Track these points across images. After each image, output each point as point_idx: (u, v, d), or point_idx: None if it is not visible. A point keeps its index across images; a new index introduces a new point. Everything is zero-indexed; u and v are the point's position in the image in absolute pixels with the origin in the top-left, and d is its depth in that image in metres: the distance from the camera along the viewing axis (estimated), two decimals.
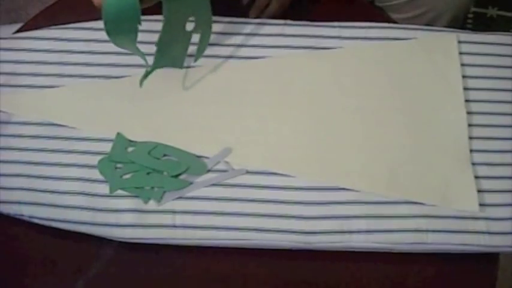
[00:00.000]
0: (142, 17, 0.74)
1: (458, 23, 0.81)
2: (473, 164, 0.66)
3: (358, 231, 0.62)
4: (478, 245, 0.62)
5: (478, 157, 0.67)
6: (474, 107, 0.69)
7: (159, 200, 0.63)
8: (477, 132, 0.68)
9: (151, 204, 0.63)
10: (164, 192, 0.64)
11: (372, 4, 0.83)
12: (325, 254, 0.63)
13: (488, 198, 0.64)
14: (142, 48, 0.71)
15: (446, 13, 0.79)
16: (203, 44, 0.68)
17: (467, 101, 0.70)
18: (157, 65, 0.65)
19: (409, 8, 0.80)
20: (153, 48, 0.71)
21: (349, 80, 0.70)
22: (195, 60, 0.69)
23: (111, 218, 0.63)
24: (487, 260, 0.64)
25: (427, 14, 0.79)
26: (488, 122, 0.69)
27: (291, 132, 0.67)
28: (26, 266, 0.63)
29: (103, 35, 0.72)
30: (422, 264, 0.64)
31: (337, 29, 0.74)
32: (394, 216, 0.63)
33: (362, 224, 0.63)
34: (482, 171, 0.66)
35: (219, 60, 0.72)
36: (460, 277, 0.64)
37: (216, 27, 0.73)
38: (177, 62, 0.69)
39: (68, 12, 0.76)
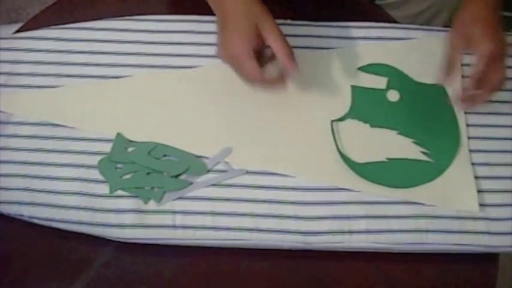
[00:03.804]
0: (142, 17, 0.74)
1: None
2: (473, 164, 0.66)
3: (358, 231, 0.62)
4: (477, 245, 0.62)
5: (478, 157, 0.67)
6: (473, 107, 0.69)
7: (159, 200, 0.63)
8: (477, 132, 0.68)
9: (152, 205, 0.63)
10: (164, 192, 0.64)
11: (372, 3, 0.83)
12: (325, 254, 0.63)
13: (488, 198, 0.64)
14: (142, 48, 0.72)
15: (444, 11, 0.79)
16: None
17: None
18: None
19: (408, 6, 0.80)
20: (152, 48, 0.72)
21: (350, 79, 0.70)
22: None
23: (111, 218, 0.63)
24: (486, 260, 0.64)
25: (425, 12, 0.79)
26: (487, 122, 0.69)
27: (291, 132, 0.67)
28: (26, 266, 0.63)
29: (103, 35, 0.73)
30: (422, 264, 0.64)
31: (337, 29, 0.74)
32: (394, 216, 0.63)
33: (362, 224, 0.63)
34: (482, 171, 0.66)
35: (219, 60, 0.71)
36: (460, 277, 0.63)
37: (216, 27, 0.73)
38: None
39: (68, 12, 0.76)
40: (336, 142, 0.66)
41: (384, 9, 0.82)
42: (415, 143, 0.67)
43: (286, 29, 0.73)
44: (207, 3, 0.71)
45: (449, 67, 0.62)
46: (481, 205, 0.64)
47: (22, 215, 0.64)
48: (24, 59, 0.71)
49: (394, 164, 0.65)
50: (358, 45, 0.72)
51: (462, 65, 0.72)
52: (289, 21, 0.74)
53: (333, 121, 0.67)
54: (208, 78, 0.70)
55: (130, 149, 0.66)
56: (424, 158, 0.66)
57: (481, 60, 0.60)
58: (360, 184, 0.64)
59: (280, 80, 0.62)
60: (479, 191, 0.64)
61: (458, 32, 0.62)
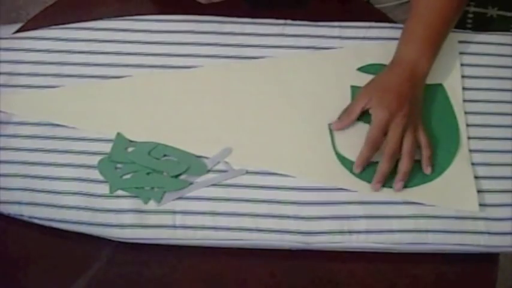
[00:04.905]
0: (142, 17, 0.74)
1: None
2: (473, 164, 0.66)
3: (358, 231, 0.62)
4: (477, 245, 0.62)
5: (478, 157, 0.67)
6: (474, 107, 0.69)
7: (159, 200, 0.63)
8: (477, 132, 0.68)
9: (152, 205, 0.63)
10: (164, 192, 0.64)
11: (371, 5, 0.83)
12: (325, 254, 0.63)
13: (488, 198, 0.64)
14: (142, 48, 0.72)
15: None
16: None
17: (466, 100, 0.70)
18: None
19: (400, 11, 0.80)
20: (152, 48, 0.72)
21: (350, 79, 0.70)
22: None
23: (111, 218, 0.63)
24: (486, 260, 0.64)
25: None
26: (488, 122, 0.69)
27: (291, 133, 0.67)
28: (26, 266, 0.63)
29: (103, 35, 0.73)
30: (422, 264, 0.64)
31: (337, 29, 0.74)
32: (394, 216, 0.63)
33: (362, 224, 0.63)
34: (482, 171, 0.66)
35: (219, 60, 0.72)
36: (460, 277, 0.63)
37: (216, 27, 0.73)
38: None
39: (68, 12, 0.76)
40: (333, 143, 0.66)
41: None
42: None
43: (286, 29, 0.74)
44: (206, 3, 0.71)
45: (345, 115, 0.66)
46: (481, 205, 0.63)
47: (22, 215, 0.64)
48: (24, 59, 0.71)
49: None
50: (358, 45, 0.73)
51: (462, 65, 0.72)
52: (289, 21, 0.74)
53: (330, 124, 0.67)
54: (208, 78, 0.70)
55: (130, 149, 0.66)
56: None
57: (373, 126, 0.63)
58: (359, 185, 0.64)
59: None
60: (479, 191, 0.64)
61: (365, 91, 0.66)
